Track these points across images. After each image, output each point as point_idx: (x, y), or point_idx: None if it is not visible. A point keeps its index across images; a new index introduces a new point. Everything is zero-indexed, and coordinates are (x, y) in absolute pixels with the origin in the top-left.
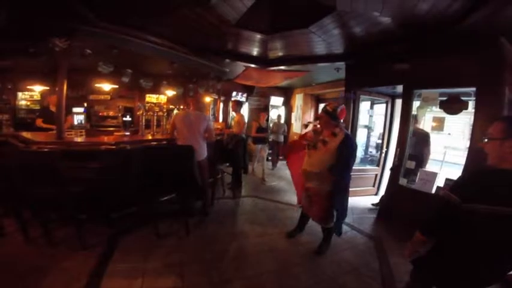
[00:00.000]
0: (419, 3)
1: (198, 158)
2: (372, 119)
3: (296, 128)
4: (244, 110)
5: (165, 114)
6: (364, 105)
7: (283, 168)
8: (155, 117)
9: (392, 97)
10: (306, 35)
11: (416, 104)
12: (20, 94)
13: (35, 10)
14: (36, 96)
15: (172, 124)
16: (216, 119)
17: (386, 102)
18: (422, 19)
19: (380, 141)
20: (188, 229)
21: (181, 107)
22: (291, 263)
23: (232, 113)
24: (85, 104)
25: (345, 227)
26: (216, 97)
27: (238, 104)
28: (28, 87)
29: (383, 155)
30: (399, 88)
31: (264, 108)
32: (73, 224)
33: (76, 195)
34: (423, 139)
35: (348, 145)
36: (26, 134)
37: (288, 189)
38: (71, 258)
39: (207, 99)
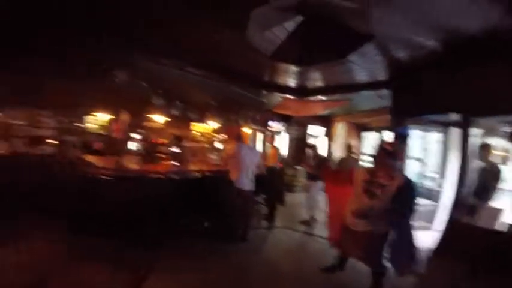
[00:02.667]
0: (465, 21)
1: (247, 188)
2: (425, 150)
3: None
4: (282, 141)
5: (209, 145)
6: (414, 135)
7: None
8: (200, 149)
9: (447, 125)
10: (344, 64)
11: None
12: (87, 118)
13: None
14: (104, 121)
15: (229, 156)
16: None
17: (441, 132)
18: (473, 37)
19: (434, 174)
20: (226, 255)
21: (224, 136)
22: None
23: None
24: (142, 131)
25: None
26: (255, 127)
27: (274, 137)
28: (96, 115)
29: (439, 188)
30: (454, 116)
31: (303, 138)
32: (121, 242)
33: (123, 216)
34: (492, 173)
35: (409, 192)
36: (89, 158)
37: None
38: (105, 273)
39: (247, 130)
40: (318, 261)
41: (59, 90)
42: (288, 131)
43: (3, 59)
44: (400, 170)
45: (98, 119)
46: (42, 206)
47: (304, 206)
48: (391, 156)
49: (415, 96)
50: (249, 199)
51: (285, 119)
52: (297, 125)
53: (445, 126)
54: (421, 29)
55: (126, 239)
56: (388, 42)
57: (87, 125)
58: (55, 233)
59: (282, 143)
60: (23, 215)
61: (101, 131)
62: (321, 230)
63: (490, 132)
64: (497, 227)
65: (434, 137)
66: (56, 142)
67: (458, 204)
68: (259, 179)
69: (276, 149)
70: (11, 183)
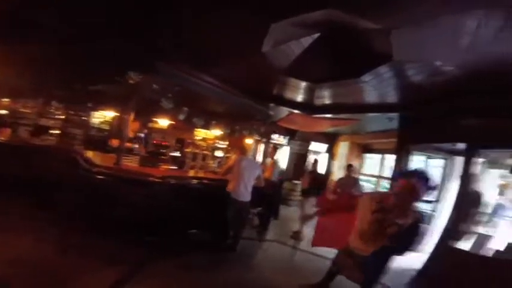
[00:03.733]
0: (490, 48)
1: (242, 199)
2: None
3: (337, 177)
4: (284, 154)
5: (210, 153)
6: (417, 159)
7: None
8: (200, 155)
9: (451, 153)
10: (357, 84)
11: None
12: (95, 113)
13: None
14: (108, 118)
15: (229, 166)
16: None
17: (445, 160)
18: (493, 68)
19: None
20: (210, 265)
21: (227, 145)
22: None
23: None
24: (145, 131)
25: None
26: (259, 139)
27: (275, 150)
28: (102, 110)
29: (434, 213)
30: (459, 144)
31: (305, 154)
32: (110, 240)
33: (122, 216)
34: (474, 200)
35: (416, 232)
36: (89, 154)
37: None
38: (95, 272)
39: (250, 141)
40: (308, 278)
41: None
42: (290, 145)
43: None
44: (413, 209)
45: (104, 115)
46: (37, 198)
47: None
48: (417, 199)
49: (424, 123)
50: (243, 210)
51: (289, 132)
52: (300, 139)
53: (448, 153)
54: (441, 54)
55: (116, 238)
56: (405, 66)
57: (94, 120)
58: (47, 228)
59: (283, 157)
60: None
61: (105, 127)
62: (309, 246)
63: (493, 163)
64: (487, 253)
65: (434, 162)
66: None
67: (451, 229)
68: (257, 191)
69: (274, 162)
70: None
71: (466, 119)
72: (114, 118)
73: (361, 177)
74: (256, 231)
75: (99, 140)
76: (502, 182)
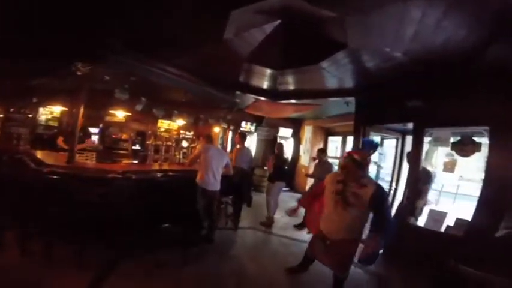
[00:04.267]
0: (432, 37)
1: (212, 188)
2: (382, 156)
3: (304, 160)
4: (253, 141)
5: (174, 143)
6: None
7: (287, 200)
8: (164, 147)
9: (403, 133)
10: (317, 70)
11: (426, 141)
12: (41, 110)
13: (63, 33)
14: (56, 113)
15: (195, 156)
16: (224, 149)
17: (397, 139)
18: (437, 54)
19: (389, 178)
20: (187, 260)
21: (192, 135)
22: None
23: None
24: (100, 125)
25: None
26: (226, 127)
27: (243, 137)
28: (49, 106)
29: (392, 192)
30: (410, 124)
31: (273, 140)
32: (74, 243)
33: (80, 217)
34: (425, 178)
35: (384, 196)
36: (38, 154)
37: (293, 222)
38: (67, 276)
39: (217, 129)
40: (287, 262)
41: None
42: (258, 131)
43: None
44: (369, 177)
45: (51, 111)
46: None
47: (265, 207)
48: (360, 166)
49: (377, 106)
50: (213, 199)
51: (256, 119)
52: (268, 126)
53: (401, 133)
54: (390, 42)
55: (81, 241)
56: (359, 52)
57: (41, 117)
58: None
59: (252, 144)
60: None
61: (52, 123)
62: (282, 230)
63: (441, 141)
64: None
65: (389, 143)
66: None
67: (405, 206)
68: (227, 180)
69: (238, 149)
70: None
71: (413, 101)
72: (63, 113)
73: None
74: (231, 219)
75: (48, 138)
76: (446, 160)
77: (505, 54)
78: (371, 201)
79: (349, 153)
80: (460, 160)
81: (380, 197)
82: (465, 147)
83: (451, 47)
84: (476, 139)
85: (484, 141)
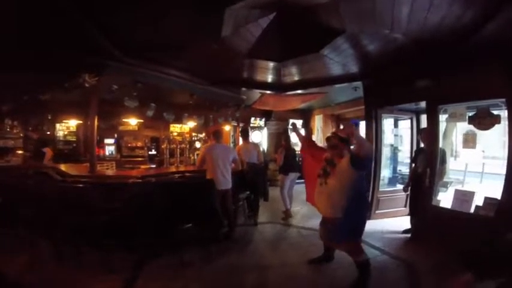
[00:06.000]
0: (428, 16)
1: (223, 187)
2: (398, 137)
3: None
4: (263, 135)
5: (188, 146)
6: (387, 123)
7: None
8: (178, 150)
9: (417, 113)
10: (319, 58)
11: (442, 118)
12: (58, 126)
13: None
14: (72, 127)
15: (200, 158)
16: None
17: (411, 119)
18: (435, 33)
19: (408, 160)
20: (210, 257)
21: (203, 136)
22: None
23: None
24: (115, 135)
25: (375, 252)
26: (236, 124)
27: (244, 133)
28: (64, 121)
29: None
30: (423, 103)
31: (283, 132)
32: (102, 249)
33: (105, 223)
34: (443, 155)
35: (358, 158)
36: (63, 167)
37: (312, 214)
38: (99, 282)
39: (227, 127)
40: (305, 253)
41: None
42: (268, 126)
43: None
44: (348, 149)
45: (67, 126)
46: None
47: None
48: (347, 143)
49: (385, 88)
50: (227, 197)
51: (265, 114)
52: (277, 120)
53: (414, 113)
54: (386, 22)
55: (108, 246)
56: (358, 36)
57: (59, 133)
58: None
59: (264, 138)
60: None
61: (70, 138)
62: (302, 221)
63: (457, 117)
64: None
65: (403, 124)
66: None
67: (430, 189)
68: (241, 176)
69: (241, 146)
70: None
71: (421, 80)
72: (78, 127)
73: None
74: (248, 215)
75: (68, 152)
76: (465, 137)
77: (504, 29)
78: (350, 161)
79: (335, 133)
80: (483, 137)
81: (356, 157)
82: (483, 120)
83: (448, 25)
84: (494, 112)
85: (503, 114)
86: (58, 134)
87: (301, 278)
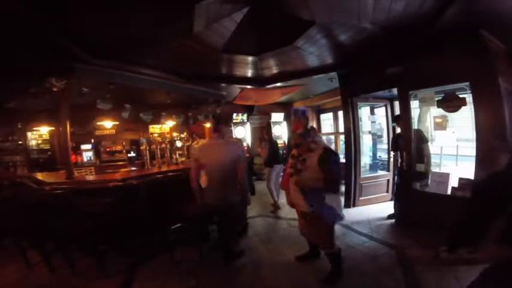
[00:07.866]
0: (392, 4)
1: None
2: (375, 124)
3: None
4: (247, 130)
5: (168, 145)
6: (364, 111)
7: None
8: (158, 150)
9: (391, 100)
10: (294, 50)
11: (414, 104)
12: (29, 134)
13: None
14: (45, 135)
15: (196, 162)
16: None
17: (385, 106)
18: (400, 21)
19: (386, 146)
20: (202, 254)
21: (185, 135)
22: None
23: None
24: (92, 140)
25: (362, 238)
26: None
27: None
28: (35, 128)
29: (391, 159)
30: (396, 90)
31: (265, 127)
32: (93, 255)
33: (90, 229)
34: (417, 137)
35: (329, 158)
36: (39, 175)
37: None
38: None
39: (207, 125)
40: (297, 244)
41: None
42: (250, 120)
43: None
44: (318, 142)
45: (39, 134)
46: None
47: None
48: (306, 136)
49: (358, 77)
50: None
51: (247, 109)
52: (259, 114)
53: (388, 100)
54: (353, 12)
55: (100, 251)
56: (329, 27)
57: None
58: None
59: (247, 133)
60: None
61: (44, 146)
62: (291, 213)
63: (427, 101)
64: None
65: (379, 112)
66: None
67: (409, 173)
68: None
69: (238, 140)
70: None
71: (390, 68)
72: (51, 134)
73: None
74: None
75: (44, 162)
76: (437, 120)
77: (464, 14)
78: (318, 161)
79: (293, 131)
80: (456, 121)
81: (326, 156)
82: (450, 103)
83: (411, 11)
84: (460, 95)
85: (469, 98)
86: (31, 143)
87: (294, 269)
